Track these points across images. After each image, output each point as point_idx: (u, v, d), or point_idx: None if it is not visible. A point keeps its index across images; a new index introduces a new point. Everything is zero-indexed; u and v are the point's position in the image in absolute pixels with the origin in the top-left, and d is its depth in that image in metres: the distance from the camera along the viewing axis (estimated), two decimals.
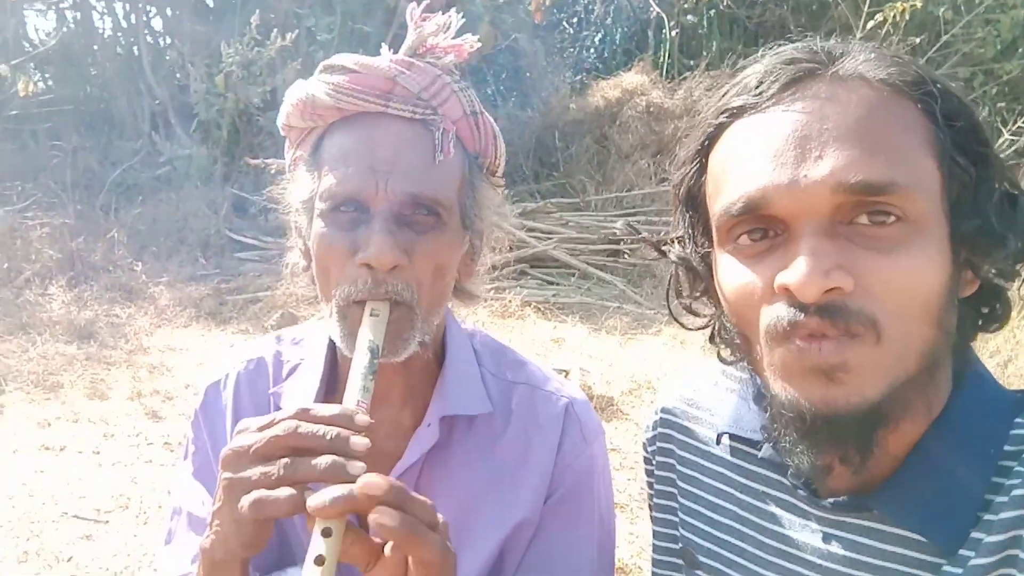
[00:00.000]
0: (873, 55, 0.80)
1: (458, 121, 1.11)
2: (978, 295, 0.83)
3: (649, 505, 1.17)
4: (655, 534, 1.15)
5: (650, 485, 1.16)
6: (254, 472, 0.84)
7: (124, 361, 5.43)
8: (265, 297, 6.42)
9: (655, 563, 1.15)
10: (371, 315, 1.01)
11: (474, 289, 1.22)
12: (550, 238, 7.48)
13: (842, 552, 0.86)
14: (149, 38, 10.02)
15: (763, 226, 0.79)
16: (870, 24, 6.72)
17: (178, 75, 9.19)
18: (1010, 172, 0.82)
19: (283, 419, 0.86)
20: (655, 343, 5.79)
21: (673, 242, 0.97)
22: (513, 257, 7.13)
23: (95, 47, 10.08)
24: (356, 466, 0.81)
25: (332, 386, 1.20)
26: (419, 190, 1.05)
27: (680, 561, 1.08)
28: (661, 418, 1.12)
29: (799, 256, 0.74)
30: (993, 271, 0.81)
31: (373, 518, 0.77)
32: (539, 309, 6.39)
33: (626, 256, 7.24)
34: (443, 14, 1.12)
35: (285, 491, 0.82)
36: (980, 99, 7.68)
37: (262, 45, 7.97)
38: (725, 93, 0.87)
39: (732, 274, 0.82)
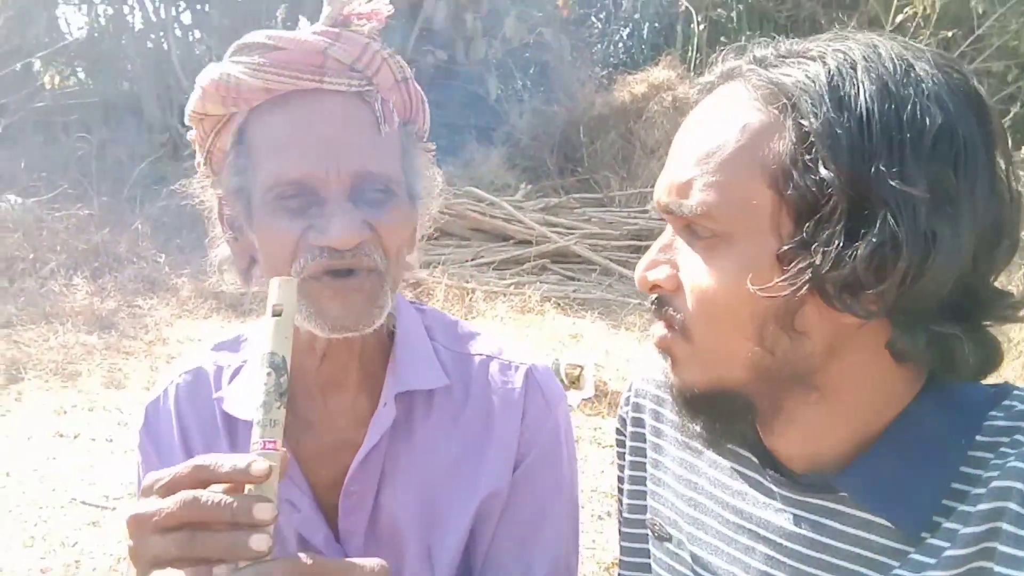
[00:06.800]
0: (779, 64, 0.78)
1: (391, 89, 1.07)
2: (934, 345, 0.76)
3: (619, 477, 1.17)
4: (626, 507, 1.15)
5: (621, 456, 1.16)
6: (155, 545, 0.78)
7: (143, 351, 5.46)
8: None
9: (624, 536, 1.15)
10: (272, 315, 0.83)
11: (413, 261, 1.18)
12: (572, 233, 7.42)
13: (802, 532, 0.86)
14: (178, 32, 10.10)
15: None
16: (900, 17, 6.57)
17: None
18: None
19: (183, 475, 0.79)
20: None
21: None
22: (534, 252, 7.09)
23: (125, 41, 10.18)
24: (259, 540, 0.76)
25: None
26: (371, 167, 1.02)
27: (648, 532, 1.08)
28: (636, 390, 1.13)
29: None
30: (903, 319, 0.74)
31: None
32: (558, 304, 6.33)
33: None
34: None
35: (188, 571, 0.78)
36: (1016, 94, 7.48)
37: None
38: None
39: None
